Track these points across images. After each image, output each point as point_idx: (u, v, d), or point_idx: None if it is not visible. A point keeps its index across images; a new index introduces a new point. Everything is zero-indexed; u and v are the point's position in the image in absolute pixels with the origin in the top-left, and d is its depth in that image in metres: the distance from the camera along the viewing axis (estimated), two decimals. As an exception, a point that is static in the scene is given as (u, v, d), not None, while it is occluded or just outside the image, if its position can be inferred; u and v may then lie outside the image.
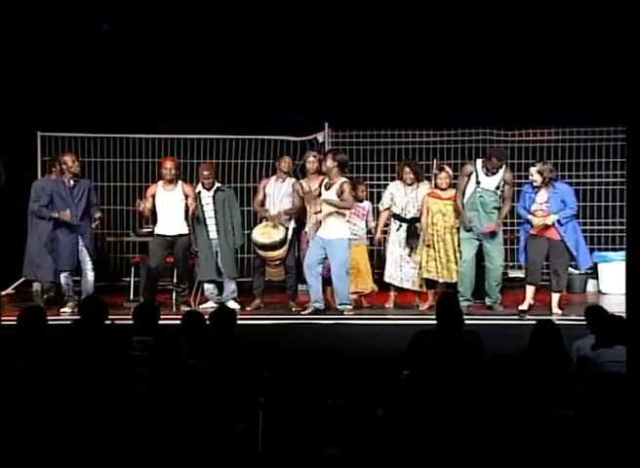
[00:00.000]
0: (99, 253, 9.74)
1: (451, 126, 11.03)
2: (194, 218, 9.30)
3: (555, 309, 8.84)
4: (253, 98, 11.03)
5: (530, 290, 8.93)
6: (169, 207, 9.31)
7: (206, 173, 9.38)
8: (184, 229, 9.35)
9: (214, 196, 9.34)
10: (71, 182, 9.26)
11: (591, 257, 9.58)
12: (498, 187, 8.99)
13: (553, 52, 10.63)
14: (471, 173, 9.04)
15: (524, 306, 8.84)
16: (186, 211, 9.33)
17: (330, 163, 8.93)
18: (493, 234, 8.98)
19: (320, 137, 11.02)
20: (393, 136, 11.17)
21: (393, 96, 10.92)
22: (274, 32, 10.78)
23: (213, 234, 9.35)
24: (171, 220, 9.31)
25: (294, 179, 9.43)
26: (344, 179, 8.98)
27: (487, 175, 8.99)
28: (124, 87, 10.90)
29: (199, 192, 9.38)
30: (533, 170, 8.86)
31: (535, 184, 8.81)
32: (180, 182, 9.41)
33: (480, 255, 9.15)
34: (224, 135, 11.15)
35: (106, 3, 10.55)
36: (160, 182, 9.44)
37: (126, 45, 10.85)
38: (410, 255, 9.23)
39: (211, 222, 9.35)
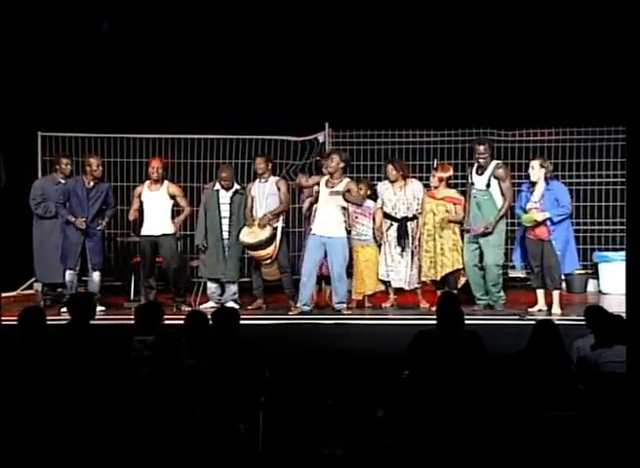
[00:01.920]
0: (104, 254, 9.70)
1: (451, 126, 11.02)
2: (205, 212, 9.34)
3: (555, 308, 8.82)
4: (253, 99, 11.03)
5: (540, 293, 8.91)
6: (153, 207, 9.34)
7: (224, 174, 9.37)
8: (169, 229, 9.38)
9: (232, 197, 9.34)
10: (91, 184, 9.30)
11: (579, 260, 9.47)
12: (488, 185, 8.89)
13: (553, 52, 10.64)
14: (469, 175, 9.06)
15: (534, 309, 8.83)
16: (177, 211, 9.40)
17: (335, 163, 8.95)
18: (485, 234, 8.91)
19: (320, 137, 11.03)
20: (393, 136, 11.18)
21: (393, 96, 10.93)
22: (275, 32, 10.79)
23: (226, 234, 9.35)
24: (155, 220, 9.34)
25: (277, 178, 9.41)
26: (349, 180, 9.05)
27: (477, 173, 8.94)
28: (124, 87, 10.91)
29: (217, 190, 9.38)
30: (534, 162, 8.83)
31: (532, 178, 8.78)
32: (165, 182, 9.45)
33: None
34: (224, 135, 11.16)
35: (107, 4, 10.56)
36: (146, 182, 9.49)
37: (126, 45, 10.86)
38: (401, 255, 9.20)
39: (225, 222, 9.34)
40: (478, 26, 10.62)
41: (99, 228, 9.25)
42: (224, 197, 9.36)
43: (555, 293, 8.88)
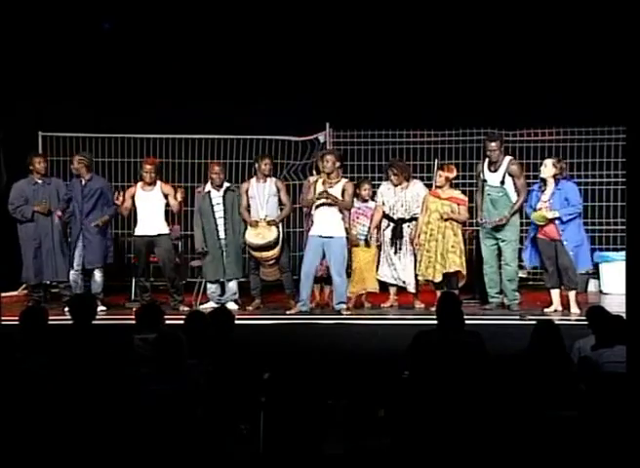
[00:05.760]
0: (106, 252, 9.67)
1: (451, 126, 11.03)
2: (200, 216, 9.34)
3: (573, 308, 8.76)
4: (253, 99, 11.04)
5: (555, 293, 8.86)
6: (148, 207, 9.35)
7: (217, 168, 9.36)
8: (165, 229, 9.42)
9: (224, 196, 9.34)
10: (82, 182, 9.38)
11: (592, 259, 9.52)
12: (502, 182, 8.89)
13: (554, 52, 10.64)
14: (480, 172, 9.03)
15: (550, 309, 8.80)
16: (168, 210, 9.41)
17: (331, 163, 8.92)
18: (500, 228, 8.88)
19: (321, 137, 11.03)
20: (394, 136, 11.18)
21: (394, 96, 10.93)
22: (275, 32, 10.79)
23: (222, 234, 9.35)
24: (150, 221, 9.34)
25: (275, 178, 9.41)
26: (347, 180, 9.00)
27: (490, 170, 8.93)
28: (125, 87, 10.92)
29: (208, 192, 9.38)
30: (548, 161, 8.80)
31: (541, 175, 8.76)
32: (158, 183, 9.45)
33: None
34: (224, 135, 11.16)
35: (108, 3, 10.57)
36: (140, 183, 9.50)
37: (127, 45, 10.87)
38: (397, 256, 9.21)
39: (220, 222, 9.34)
40: (479, 26, 10.62)
41: (92, 224, 9.27)
42: (216, 197, 9.35)
43: (572, 294, 8.85)
